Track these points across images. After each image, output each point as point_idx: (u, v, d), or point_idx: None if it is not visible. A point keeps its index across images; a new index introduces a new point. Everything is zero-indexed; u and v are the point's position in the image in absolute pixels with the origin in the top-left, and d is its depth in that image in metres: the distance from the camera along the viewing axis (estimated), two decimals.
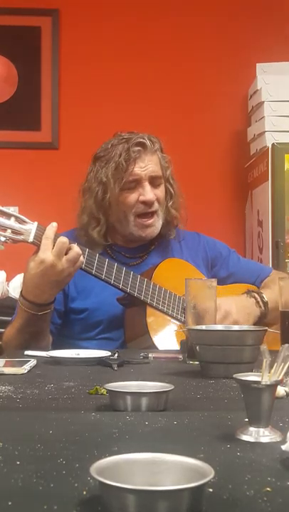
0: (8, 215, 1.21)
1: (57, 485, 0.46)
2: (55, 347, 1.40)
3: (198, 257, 1.51)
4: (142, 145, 1.39)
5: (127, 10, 2.62)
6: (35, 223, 1.22)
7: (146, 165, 1.40)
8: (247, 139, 2.52)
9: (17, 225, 1.21)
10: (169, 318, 1.37)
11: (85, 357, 1.11)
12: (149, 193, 1.39)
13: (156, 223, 1.43)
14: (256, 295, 1.38)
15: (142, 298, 1.33)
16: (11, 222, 1.21)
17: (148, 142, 1.40)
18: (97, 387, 0.82)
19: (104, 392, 0.79)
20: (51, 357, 1.11)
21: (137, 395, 0.72)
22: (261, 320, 1.36)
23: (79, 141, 2.55)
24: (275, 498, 0.44)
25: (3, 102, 2.56)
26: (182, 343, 1.17)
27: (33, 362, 1.05)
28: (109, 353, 1.11)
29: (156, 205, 1.41)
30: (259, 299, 1.37)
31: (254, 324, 1.34)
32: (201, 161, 2.59)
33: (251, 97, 2.50)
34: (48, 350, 1.31)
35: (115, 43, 2.59)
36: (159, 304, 1.35)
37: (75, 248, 1.20)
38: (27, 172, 2.52)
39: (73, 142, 2.57)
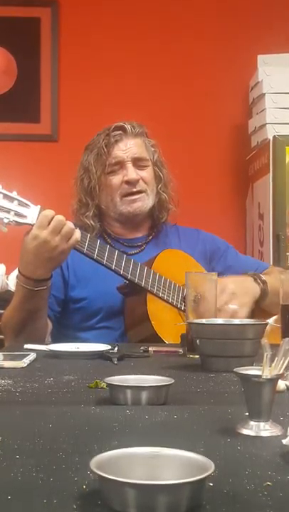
0: (11, 199, 1.22)
1: (57, 479, 0.46)
2: (55, 338, 1.41)
3: (196, 250, 1.52)
4: (122, 129, 1.43)
5: (126, 1, 2.60)
6: (38, 206, 1.24)
7: (128, 147, 1.43)
8: (248, 132, 2.51)
9: (20, 208, 1.22)
10: (169, 306, 1.37)
11: (85, 351, 1.11)
12: (132, 172, 1.41)
13: (145, 199, 1.44)
14: (254, 275, 1.39)
15: (143, 285, 1.33)
16: (14, 205, 1.22)
17: (128, 126, 1.43)
18: (97, 381, 0.82)
19: (104, 386, 0.79)
20: (51, 350, 1.11)
21: (136, 389, 0.71)
22: (262, 299, 1.35)
23: (78, 133, 2.52)
24: (275, 492, 0.44)
25: (2, 94, 2.55)
26: (182, 337, 1.17)
27: (32, 356, 1.05)
28: (109, 347, 1.11)
29: (141, 185, 1.43)
30: (257, 278, 1.38)
31: (254, 303, 1.34)
32: (202, 153, 2.58)
33: (252, 89, 2.48)
34: (45, 333, 1.33)
35: (115, 33, 2.58)
36: (159, 292, 1.35)
37: (69, 224, 1.21)
38: (26, 164, 2.51)
39: (73, 134, 2.55)
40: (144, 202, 1.44)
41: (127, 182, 1.41)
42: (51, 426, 0.61)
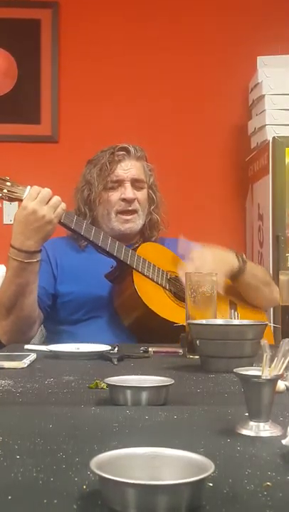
0: (4, 180, 1.33)
1: (57, 479, 0.46)
2: (48, 336, 1.48)
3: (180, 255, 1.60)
4: (126, 150, 1.54)
5: (126, 2, 2.60)
6: (29, 186, 1.33)
7: (129, 168, 1.53)
8: (248, 133, 2.51)
9: (13, 188, 1.33)
10: (155, 284, 1.43)
11: (85, 351, 1.11)
12: (129, 192, 1.52)
13: (136, 220, 1.54)
14: (237, 253, 1.46)
15: (128, 262, 1.40)
16: (7, 185, 1.32)
17: (132, 149, 1.55)
18: (97, 381, 0.82)
19: (105, 387, 0.79)
20: (51, 351, 1.11)
21: (137, 389, 0.71)
22: (237, 274, 1.42)
23: (79, 134, 2.54)
24: (275, 492, 0.44)
25: (3, 95, 2.55)
26: (182, 338, 1.17)
27: (32, 356, 1.05)
28: (109, 347, 1.11)
29: (136, 205, 1.53)
30: (239, 256, 1.45)
31: (228, 275, 1.40)
32: (202, 154, 2.58)
33: (252, 90, 2.48)
34: (35, 312, 1.38)
35: (115, 36, 2.58)
36: (144, 270, 1.42)
37: (56, 196, 1.32)
38: (27, 165, 2.51)
39: (73, 135, 2.56)
40: (136, 223, 1.55)
41: (124, 199, 1.52)
42: (51, 426, 0.61)
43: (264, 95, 2.30)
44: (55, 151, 2.55)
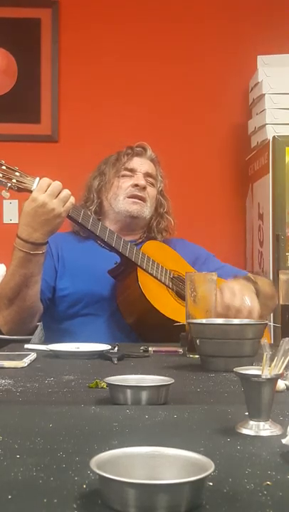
0: (14, 171, 1.33)
1: (57, 478, 0.46)
2: (48, 336, 1.47)
3: (181, 255, 1.60)
4: (144, 148, 1.60)
5: (127, 1, 2.60)
6: (37, 178, 1.33)
7: (143, 163, 1.58)
8: (248, 132, 2.51)
9: (21, 178, 1.32)
10: (158, 283, 1.44)
11: (85, 350, 1.11)
12: (141, 179, 1.55)
13: (144, 207, 1.55)
14: (245, 277, 1.41)
15: (133, 259, 1.41)
16: (16, 175, 1.33)
17: (149, 149, 1.60)
18: (97, 380, 0.82)
19: (104, 386, 0.79)
20: (51, 350, 1.11)
21: (137, 389, 0.72)
22: (257, 297, 1.37)
23: (79, 133, 2.54)
24: (275, 491, 0.44)
25: (3, 95, 2.55)
26: (182, 337, 1.17)
27: (32, 355, 1.05)
28: (109, 347, 1.11)
29: (146, 193, 1.55)
30: (249, 279, 1.40)
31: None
32: (202, 154, 2.58)
33: (252, 89, 2.48)
34: (38, 304, 1.39)
35: (115, 35, 2.58)
36: (148, 267, 1.43)
37: (66, 190, 1.32)
38: (27, 165, 2.49)
39: (73, 135, 2.56)
40: (143, 208, 1.55)
41: (136, 185, 1.54)
42: (51, 425, 0.61)
43: (264, 94, 2.30)
44: (55, 150, 2.55)
